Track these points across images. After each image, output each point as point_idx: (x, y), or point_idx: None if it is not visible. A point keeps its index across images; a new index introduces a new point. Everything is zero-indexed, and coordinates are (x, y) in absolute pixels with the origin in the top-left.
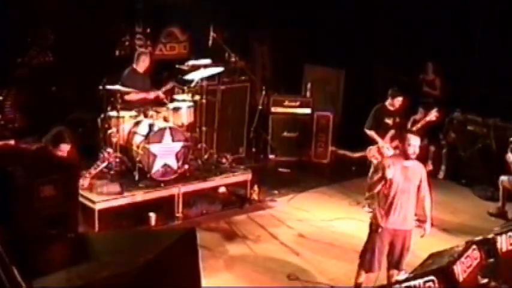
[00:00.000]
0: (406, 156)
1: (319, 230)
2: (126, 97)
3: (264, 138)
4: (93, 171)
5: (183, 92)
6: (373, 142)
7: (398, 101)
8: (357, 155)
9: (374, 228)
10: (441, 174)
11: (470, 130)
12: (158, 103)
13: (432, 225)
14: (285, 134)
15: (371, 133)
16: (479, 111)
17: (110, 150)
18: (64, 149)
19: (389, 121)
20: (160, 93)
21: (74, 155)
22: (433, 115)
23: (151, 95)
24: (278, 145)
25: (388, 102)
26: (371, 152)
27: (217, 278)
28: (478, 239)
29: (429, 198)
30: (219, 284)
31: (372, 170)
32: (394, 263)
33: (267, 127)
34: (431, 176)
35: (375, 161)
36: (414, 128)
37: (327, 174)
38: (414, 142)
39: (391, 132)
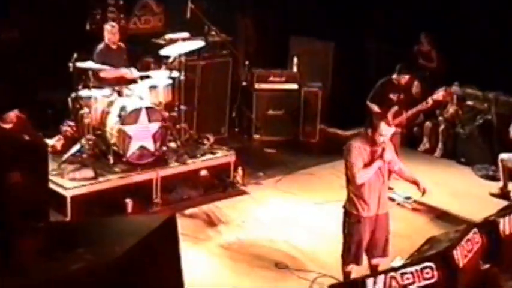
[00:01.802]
0: (373, 143)
1: (309, 214)
2: (102, 74)
3: (247, 116)
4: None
5: (160, 68)
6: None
7: (405, 78)
8: (348, 133)
9: (355, 220)
10: (438, 153)
11: (469, 105)
12: (133, 81)
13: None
14: (270, 111)
15: (373, 107)
16: (480, 84)
17: (71, 123)
18: (10, 118)
19: (393, 97)
20: (135, 71)
21: (28, 127)
22: (439, 95)
23: (127, 72)
24: (263, 124)
25: (394, 77)
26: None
27: (200, 267)
28: (479, 222)
29: (404, 166)
30: (202, 274)
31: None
32: (380, 251)
33: (251, 105)
34: (428, 154)
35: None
36: (421, 107)
37: (316, 154)
38: (386, 132)
39: (395, 108)
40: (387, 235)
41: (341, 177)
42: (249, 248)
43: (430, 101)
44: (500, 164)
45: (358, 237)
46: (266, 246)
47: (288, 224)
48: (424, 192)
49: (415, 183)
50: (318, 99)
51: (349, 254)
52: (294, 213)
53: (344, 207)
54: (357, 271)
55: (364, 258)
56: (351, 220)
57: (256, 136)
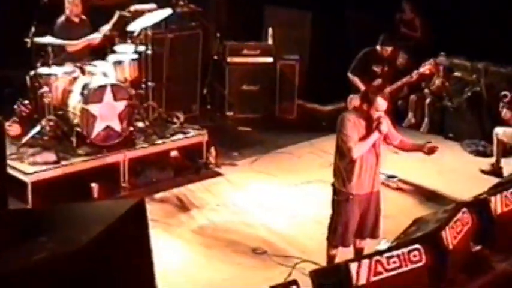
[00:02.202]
0: (368, 118)
1: (288, 197)
2: (69, 48)
3: (220, 93)
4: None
5: (125, 42)
6: (352, 90)
7: (387, 50)
8: (328, 108)
9: (343, 198)
10: (424, 128)
11: (457, 76)
12: (96, 56)
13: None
14: (244, 87)
15: (354, 79)
16: (467, 54)
17: (25, 102)
18: None
19: (377, 69)
20: (106, 30)
21: None
22: (426, 68)
23: (94, 37)
24: (237, 100)
25: (378, 47)
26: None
27: (172, 255)
28: (469, 201)
29: (405, 138)
30: (174, 262)
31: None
32: (369, 231)
33: (224, 80)
34: (413, 129)
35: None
36: (405, 81)
37: (294, 132)
38: (382, 107)
39: (378, 81)
40: (378, 215)
41: (321, 155)
42: (224, 233)
43: (414, 74)
44: (494, 139)
45: (346, 216)
46: (242, 231)
47: (266, 207)
48: (433, 151)
49: (420, 149)
50: (295, 73)
51: (335, 235)
52: (271, 196)
53: (332, 184)
54: (341, 258)
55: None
56: (339, 198)
57: (230, 113)
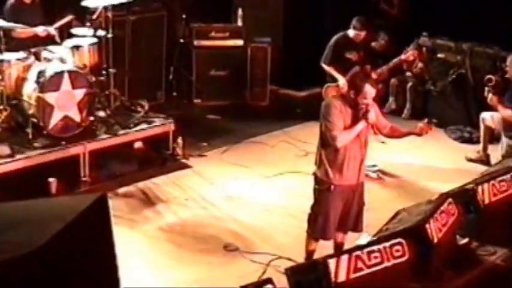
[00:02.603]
0: (355, 106)
1: (261, 189)
2: (14, 34)
3: (187, 79)
4: None
5: (84, 25)
6: (327, 78)
7: (360, 35)
8: (303, 94)
9: (324, 187)
10: (406, 114)
11: (440, 58)
12: (52, 40)
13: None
14: (213, 72)
15: (330, 69)
16: (451, 34)
17: None
18: None
19: (351, 56)
20: (52, 29)
21: None
22: (409, 54)
23: (42, 31)
24: (205, 87)
25: (351, 33)
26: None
27: (137, 254)
28: (454, 191)
29: (394, 124)
30: (140, 261)
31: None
32: (352, 224)
33: (190, 65)
34: (394, 115)
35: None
36: (386, 68)
37: (267, 120)
38: (371, 95)
39: (354, 68)
40: (361, 207)
41: (296, 145)
42: (193, 229)
43: (396, 61)
44: (481, 124)
45: (327, 206)
46: (213, 227)
47: (237, 201)
48: (426, 130)
49: (413, 132)
50: (267, 57)
51: (316, 227)
52: (243, 188)
53: (314, 173)
54: (320, 254)
55: None
56: (320, 187)
57: (198, 101)
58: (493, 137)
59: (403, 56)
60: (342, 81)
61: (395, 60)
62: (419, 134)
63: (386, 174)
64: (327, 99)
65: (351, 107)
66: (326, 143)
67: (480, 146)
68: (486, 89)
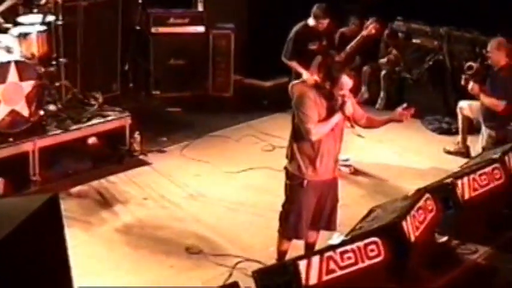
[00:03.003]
0: (331, 98)
1: (225, 187)
2: None
3: (144, 69)
4: None
5: (31, 11)
6: (293, 73)
7: (323, 24)
8: (269, 84)
9: (297, 183)
10: (380, 104)
11: (416, 44)
12: None
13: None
14: (172, 61)
15: (292, 64)
16: (427, 18)
17: None
18: None
19: (313, 46)
20: None
21: None
22: (370, 28)
23: None
24: (164, 77)
25: (311, 22)
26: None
27: (93, 258)
28: (432, 186)
29: (371, 114)
30: (96, 266)
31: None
32: (325, 223)
33: (148, 54)
34: (367, 105)
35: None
36: (349, 49)
37: (231, 112)
38: (347, 86)
39: (318, 58)
40: (335, 204)
41: (263, 138)
42: (152, 231)
43: (359, 39)
44: (459, 114)
45: (300, 203)
46: (174, 228)
47: (200, 200)
48: (406, 115)
49: (393, 119)
50: (231, 44)
51: (288, 225)
52: (206, 186)
53: (286, 168)
54: (291, 255)
55: None
56: (292, 182)
57: (156, 92)
58: (472, 128)
59: (364, 32)
60: (306, 75)
61: (357, 38)
62: (399, 120)
63: (359, 168)
64: (300, 90)
65: (326, 98)
66: (299, 135)
67: (459, 138)
68: (464, 76)
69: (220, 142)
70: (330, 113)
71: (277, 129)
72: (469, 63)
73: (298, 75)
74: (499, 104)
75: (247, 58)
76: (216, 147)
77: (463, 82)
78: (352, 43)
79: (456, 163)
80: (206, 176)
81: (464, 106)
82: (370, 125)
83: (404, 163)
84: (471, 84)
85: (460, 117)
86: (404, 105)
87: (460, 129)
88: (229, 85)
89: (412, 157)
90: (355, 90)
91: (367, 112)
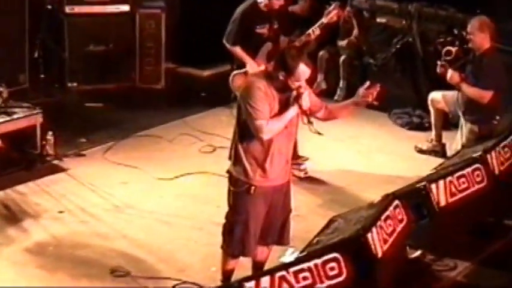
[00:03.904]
0: (284, 89)
1: (157, 196)
2: None
3: (57, 56)
4: None
5: None
6: (236, 62)
7: (274, 4)
8: (208, 73)
9: (242, 189)
10: (340, 94)
11: (381, 23)
12: None
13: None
14: (92, 47)
15: (235, 50)
16: None
17: None
18: None
19: (262, 30)
20: None
21: None
22: (332, 14)
23: None
24: (82, 66)
25: (260, 2)
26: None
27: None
28: (402, 191)
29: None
30: None
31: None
32: (276, 237)
33: (62, 39)
34: (325, 97)
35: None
36: (304, 38)
37: (163, 107)
38: (305, 76)
39: (267, 46)
40: (288, 214)
41: (201, 137)
42: (71, 250)
43: (317, 28)
44: (431, 108)
45: (247, 214)
46: (96, 246)
47: (127, 212)
48: (370, 97)
49: (356, 103)
50: (161, 26)
51: (233, 240)
52: (134, 196)
53: (229, 171)
54: (237, 275)
55: None
56: (237, 189)
57: (73, 85)
58: (447, 122)
59: (324, 19)
60: (251, 65)
61: (315, 26)
62: (363, 103)
63: (316, 171)
64: (248, 80)
65: (278, 90)
66: (245, 134)
67: (432, 134)
68: (440, 63)
69: (151, 143)
70: (283, 107)
71: (218, 126)
72: (448, 47)
73: (242, 64)
74: (484, 95)
75: (182, 43)
76: (145, 149)
77: (439, 70)
78: (309, 30)
79: (430, 164)
80: (134, 184)
81: (437, 98)
82: (331, 116)
83: (369, 165)
84: (450, 72)
85: (432, 111)
86: (367, 83)
87: (433, 125)
88: (160, 75)
89: (378, 158)
90: (310, 80)
91: (325, 102)
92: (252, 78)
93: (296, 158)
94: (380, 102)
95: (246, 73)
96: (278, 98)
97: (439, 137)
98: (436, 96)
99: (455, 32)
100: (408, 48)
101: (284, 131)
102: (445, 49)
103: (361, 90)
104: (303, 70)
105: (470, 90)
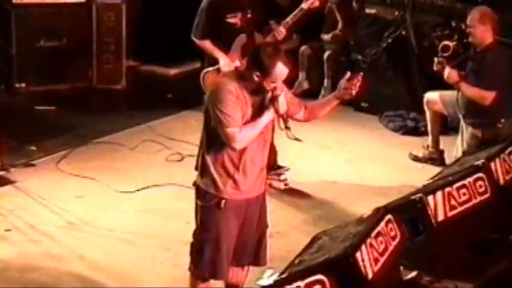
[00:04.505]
0: (258, 91)
1: (117, 211)
2: None
3: (3, 53)
4: None
5: None
6: (207, 59)
7: None
8: (174, 71)
9: (212, 204)
10: (324, 95)
11: (370, 14)
12: None
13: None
14: (43, 43)
15: (204, 44)
16: None
17: None
18: None
19: (234, 20)
20: None
21: None
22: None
23: None
24: (31, 64)
25: None
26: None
27: None
28: (395, 204)
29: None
30: None
31: None
32: (251, 256)
33: (9, 33)
34: (308, 98)
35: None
36: (283, 26)
37: (124, 110)
38: (282, 76)
39: (241, 38)
40: (264, 231)
41: (168, 144)
42: (20, 274)
43: (296, 14)
44: (426, 110)
45: (216, 231)
46: (49, 269)
47: (83, 230)
48: (353, 87)
49: (338, 97)
50: (122, 19)
51: (202, 262)
52: (92, 211)
53: (196, 183)
54: None
55: None
56: (206, 203)
57: (21, 85)
58: (445, 126)
59: (304, 5)
60: (224, 61)
61: (295, 12)
62: (347, 95)
63: (297, 183)
64: (216, 81)
65: (251, 92)
66: (214, 141)
67: (429, 140)
68: (437, 59)
69: (111, 151)
70: (257, 111)
71: (187, 132)
72: (445, 42)
73: (215, 60)
74: (486, 95)
75: (145, 37)
76: (104, 158)
77: (435, 67)
78: (288, 19)
79: (426, 173)
80: (92, 198)
81: (434, 98)
82: (312, 116)
83: (358, 174)
84: (448, 71)
85: (428, 113)
86: (348, 74)
87: (429, 129)
88: (120, 74)
89: (368, 166)
90: (290, 79)
91: (304, 101)
92: (222, 79)
93: (275, 168)
94: (366, 98)
95: (219, 70)
96: (251, 101)
97: (436, 143)
98: (432, 96)
99: (454, 24)
100: (401, 42)
101: (258, 138)
102: (442, 44)
103: (343, 82)
104: (281, 70)
105: (471, 91)
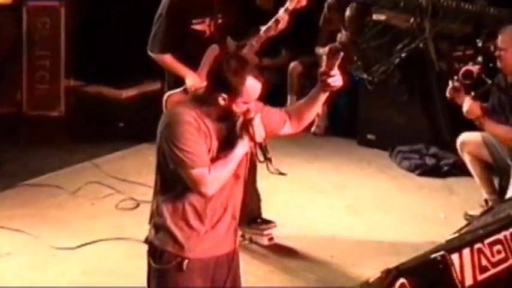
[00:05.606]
0: (223, 116)
1: (56, 272)
2: None
3: None
4: None
5: None
6: (168, 77)
7: None
8: (128, 93)
9: (170, 266)
10: (320, 125)
11: (379, 22)
12: None
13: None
14: None
15: (164, 58)
16: None
17: None
18: None
19: (202, 26)
20: None
21: None
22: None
23: None
24: None
25: None
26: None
27: None
28: (409, 264)
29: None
30: None
31: None
32: None
33: None
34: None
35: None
36: (262, 34)
37: (63, 144)
38: (254, 95)
39: (212, 49)
40: None
41: (118, 187)
42: None
43: (280, 17)
44: (464, 156)
45: None
46: None
47: None
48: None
49: (322, 92)
50: (61, 26)
51: None
52: (22, 273)
53: (148, 240)
54: None
55: None
56: (162, 266)
57: None
58: (488, 169)
59: (289, 4)
60: (191, 80)
61: (277, 15)
62: (333, 82)
63: (286, 237)
64: (173, 110)
65: (216, 119)
66: (170, 185)
67: (483, 192)
68: (454, 85)
69: (46, 196)
70: (225, 142)
71: (144, 171)
72: (467, 67)
73: (179, 79)
74: None
75: (90, 50)
76: (37, 204)
77: (449, 94)
78: (270, 23)
79: (450, 225)
80: (22, 256)
81: (469, 139)
82: (301, 123)
83: (362, 226)
84: (468, 103)
85: (467, 159)
86: (327, 48)
87: (476, 178)
88: (58, 97)
89: (374, 216)
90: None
91: (284, 112)
92: (177, 109)
93: (259, 222)
94: (373, 129)
95: (186, 92)
96: (217, 131)
97: (493, 189)
98: (468, 139)
99: (479, 44)
100: (418, 57)
101: (234, 175)
102: (463, 69)
103: (324, 68)
104: (252, 86)
105: (499, 130)
